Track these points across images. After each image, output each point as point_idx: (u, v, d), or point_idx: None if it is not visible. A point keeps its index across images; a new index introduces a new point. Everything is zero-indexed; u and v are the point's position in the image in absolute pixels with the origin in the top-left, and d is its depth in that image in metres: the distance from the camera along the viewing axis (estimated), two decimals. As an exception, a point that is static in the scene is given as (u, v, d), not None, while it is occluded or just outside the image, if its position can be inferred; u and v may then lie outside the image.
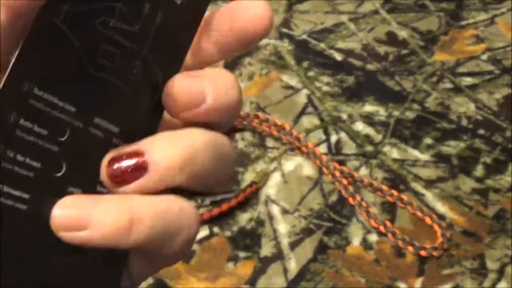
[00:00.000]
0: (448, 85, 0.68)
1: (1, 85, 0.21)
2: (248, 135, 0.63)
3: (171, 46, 0.25)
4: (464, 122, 0.64)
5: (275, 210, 0.56)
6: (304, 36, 0.74)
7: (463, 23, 0.76)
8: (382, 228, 0.54)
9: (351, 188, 0.57)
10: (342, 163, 0.60)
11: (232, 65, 0.70)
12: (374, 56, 0.72)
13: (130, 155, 0.23)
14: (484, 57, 0.71)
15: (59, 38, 0.22)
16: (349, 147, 0.62)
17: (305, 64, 0.71)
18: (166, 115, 0.26)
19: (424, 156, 0.61)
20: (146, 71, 0.24)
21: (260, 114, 0.62)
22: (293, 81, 0.69)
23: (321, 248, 0.54)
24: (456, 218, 0.56)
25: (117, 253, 0.24)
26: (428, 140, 0.62)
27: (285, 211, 0.56)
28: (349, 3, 0.79)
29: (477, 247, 0.54)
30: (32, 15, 0.23)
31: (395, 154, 0.61)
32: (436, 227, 0.54)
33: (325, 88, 0.68)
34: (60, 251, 0.23)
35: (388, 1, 0.79)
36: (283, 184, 0.58)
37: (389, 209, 0.57)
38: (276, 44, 0.73)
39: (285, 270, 0.52)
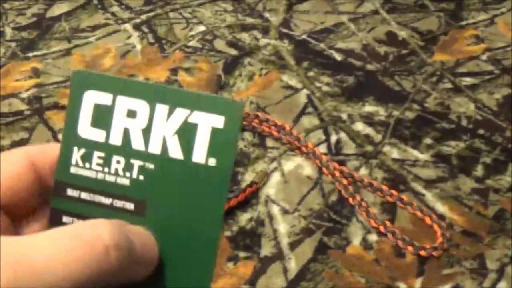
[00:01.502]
0: (448, 85, 0.68)
1: None
2: (248, 135, 0.63)
3: None
4: (464, 122, 0.64)
5: (275, 210, 0.56)
6: (304, 36, 0.74)
7: (463, 23, 0.76)
8: (382, 228, 0.54)
9: (351, 188, 0.57)
10: (342, 163, 0.60)
11: (232, 65, 0.70)
12: (374, 56, 0.72)
13: None
14: (484, 57, 0.71)
15: None
16: (349, 147, 0.62)
17: (305, 64, 0.71)
18: None
19: (424, 156, 0.61)
20: None
21: (260, 114, 0.62)
22: (293, 81, 0.69)
23: (321, 248, 0.54)
24: (456, 218, 0.56)
25: None
26: (428, 140, 0.62)
27: (285, 211, 0.56)
28: (349, 3, 0.79)
29: (477, 247, 0.54)
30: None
31: (395, 154, 0.61)
32: (436, 227, 0.54)
33: (325, 88, 0.68)
34: None
35: (388, 1, 0.79)
36: (283, 184, 0.58)
37: (389, 209, 0.57)
38: (276, 44, 0.73)
39: (285, 270, 0.52)
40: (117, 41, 0.74)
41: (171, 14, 0.78)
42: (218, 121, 0.26)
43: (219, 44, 0.73)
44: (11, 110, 0.65)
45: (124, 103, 0.27)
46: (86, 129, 0.27)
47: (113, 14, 0.78)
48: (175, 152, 0.27)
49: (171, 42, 0.74)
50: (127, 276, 0.24)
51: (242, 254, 0.53)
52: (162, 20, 0.77)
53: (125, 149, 0.27)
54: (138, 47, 0.73)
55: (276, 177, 0.59)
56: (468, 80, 0.69)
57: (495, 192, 0.58)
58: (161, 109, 0.27)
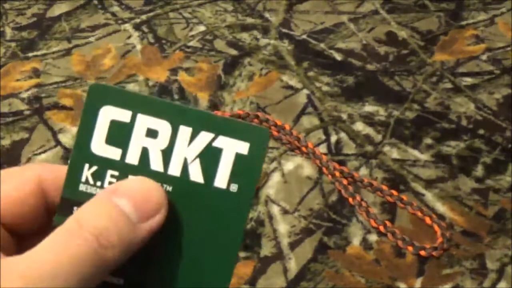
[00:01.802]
0: (448, 85, 0.68)
1: None
2: (248, 135, 0.63)
3: None
4: (464, 122, 0.64)
5: (275, 210, 0.56)
6: (304, 36, 0.74)
7: (463, 23, 0.76)
8: (382, 228, 0.54)
9: (351, 188, 0.57)
10: (342, 163, 0.60)
11: (232, 65, 0.70)
12: (374, 56, 0.72)
13: None
14: (484, 57, 0.71)
15: None
16: (349, 147, 0.62)
17: (305, 64, 0.71)
18: None
19: (424, 156, 0.61)
20: None
21: (260, 114, 0.62)
22: (293, 81, 0.69)
23: (321, 248, 0.54)
24: (456, 218, 0.56)
25: None
26: (428, 140, 0.62)
27: (285, 211, 0.56)
28: (349, 3, 0.79)
29: (477, 247, 0.54)
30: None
31: (395, 154, 0.61)
32: (436, 227, 0.54)
33: (325, 88, 0.68)
34: None
35: (388, 1, 0.79)
36: (283, 184, 0.58)
37: (389, 209, 0.57)
38: (276, 44, 0.73)
39: (285, 270, 0.52)
40: (117, 41, 0.74)
41: (171, 14, 0.78)
42: (243, 147, 0.26)
43: (219, 44, 0.73)
44: (11, 110, 0.65)
45: (144, 122, 0.26)
46: (100, 146, 0.26)
47: (113, 14, 0.78)
48: (196, 175, 0.26)
49: (171, 42, 0.74)
50: (136, 239, 0.25)
51: (242, 254, 0.53)
52: (162, 20, 0.77)
53: (142, 169, 0.26)
54: (138, 47, 0.73)
55: (276, 177, 0.59)
56: (468, 80, 0.69)
57: (495, 192, 0.58)
58: (185, 131, 0.26)
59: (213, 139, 0.26)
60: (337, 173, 0.58)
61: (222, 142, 0.26)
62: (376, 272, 0.52)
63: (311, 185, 0.58)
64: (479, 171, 0.60)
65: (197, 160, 0.26)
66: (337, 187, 0.58)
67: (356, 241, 0.54)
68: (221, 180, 0.26)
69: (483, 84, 0.68)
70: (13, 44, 0.73)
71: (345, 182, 0.57)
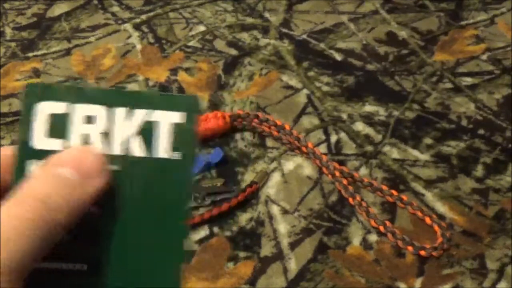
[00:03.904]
0: (448, 85, 0.68)
1: None
2: (248, 135, 0.63)
3: None
4: (464, 122, 0.64)
5: (275, 210, 0.56)
6: (304, 36, 0.74)
7: (463, 23, 0.76)
8: (382, 228, 0.54)
9: (351, 188, 0.57)
10: (342, 163, 0.60)
11: (232, 65, 0.70)
12: (374, 56, 0.72)
13: None
14: (484, 57, 0.71)
15: None
16: (349, 147, 0.62)
17: (305, 64, 0.71)
18: None
19: (424, 156, 0.61)
20: None
21: (260, 114, 0.62)
22: (293, 81, 0.69)
23: (321, 248, 0.54)
24: (456, 218, 0.56)
25: None
26: (428, 140, 0.62)
27: (285, 211, 0.56)
28: (349, 3, 0.79)
29: (477, 247, 0.54)
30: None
31: (395, 154, 0.61)
32: (436, 227, 0.54)
33: (325, 88, 0.68)
34: None
35: (388, 1, 0.79)
36: (283, 184, 0.58)
37: (389, 209, 0.57)
38: (276, 44, 0.73)
39: (285, 270, 0.52)
40: (117, 41, 0.74)
41: (171, 14, 0.78)
42: (177, 116, 0.28)
43: (219, 44, 0.73)
44: (11, 110, 0.65)
45: (80, 110, 0.27)
46: (41, 140, 0.27)
47: (113, 14, 0.78)
48: (139, 150, 0.27)
49: (171, 42, 0.74)
50: (81, 199, 0.26)
51: (242, 254, 0.53)
52: (162, 20, 0.77)
53: None
54: (138, 47, 0.73)
55: (276, 177, 0.59)
56: (468, 80, 0.69)
57: (495, 192, 0.58)
58: (120, 112, 0.27)
59: (149, 115, 0.28)
60: (337, 173, 0.58)
61: (157, 115, 0.28)
62: (376, 272, 0.52)
63: (311, 185, 0.58)
64: (479, 171, 0.60)
65: (138, 136, 0.28)
66: (337, 187, 0.58)
67: (356, 241, 0.54)
68: (163, 150, 0.28)
69: (483, 84, 0.68)
70: (13, 44, 0.73)
71: (345, 182, 0.57)
